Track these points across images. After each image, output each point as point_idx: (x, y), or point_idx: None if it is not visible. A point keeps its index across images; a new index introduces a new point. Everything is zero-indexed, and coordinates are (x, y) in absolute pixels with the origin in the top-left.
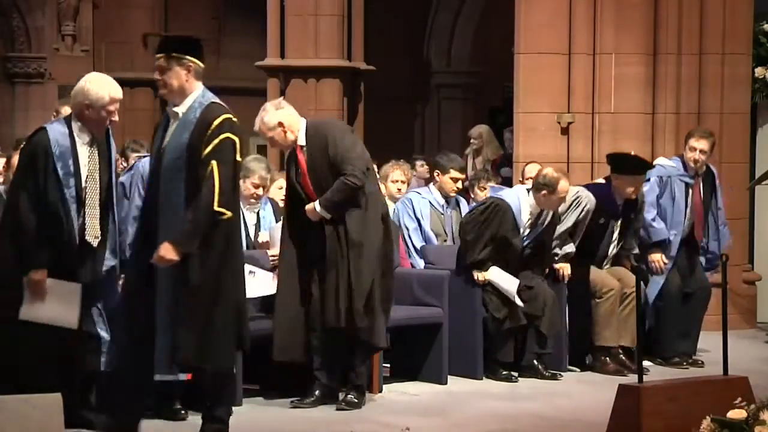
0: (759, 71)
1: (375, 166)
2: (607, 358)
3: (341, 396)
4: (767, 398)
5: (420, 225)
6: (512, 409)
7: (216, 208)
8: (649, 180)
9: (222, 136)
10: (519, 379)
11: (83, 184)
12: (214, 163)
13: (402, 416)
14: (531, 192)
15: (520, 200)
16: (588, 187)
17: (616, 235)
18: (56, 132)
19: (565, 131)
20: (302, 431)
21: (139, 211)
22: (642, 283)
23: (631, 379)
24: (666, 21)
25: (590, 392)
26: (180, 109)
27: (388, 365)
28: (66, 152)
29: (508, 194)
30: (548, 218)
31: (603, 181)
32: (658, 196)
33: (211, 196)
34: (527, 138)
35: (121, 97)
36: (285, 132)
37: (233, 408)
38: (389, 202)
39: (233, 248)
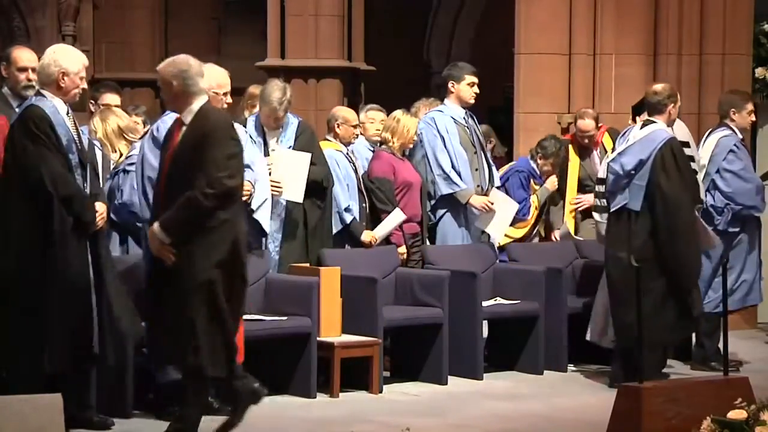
0: (759, 72)
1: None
2: None
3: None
4: (767, 398)
5: (444, 143)
6: (512, 409)
7: None
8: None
9: None
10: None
11: (82, 149)
12: None
13: (402, 416)
14: (662, 117)
15: (677, 132)
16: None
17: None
18: (45, 104)
19: (565, 131)
20: (302, 431)
21: None
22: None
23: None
24: (666, 21)
25: (590, 392)
26: None
27: (388, 365)
28: (60, 121)
29: (663, 133)
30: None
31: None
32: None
33: None
34: (527, 138)
35: (87, 64)
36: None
37: None
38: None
39: None
